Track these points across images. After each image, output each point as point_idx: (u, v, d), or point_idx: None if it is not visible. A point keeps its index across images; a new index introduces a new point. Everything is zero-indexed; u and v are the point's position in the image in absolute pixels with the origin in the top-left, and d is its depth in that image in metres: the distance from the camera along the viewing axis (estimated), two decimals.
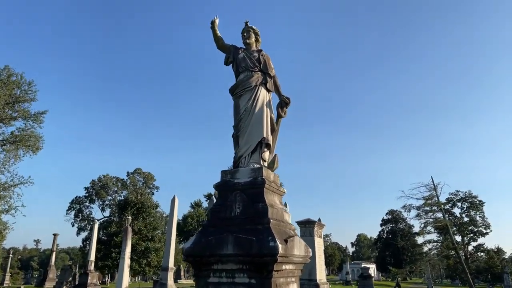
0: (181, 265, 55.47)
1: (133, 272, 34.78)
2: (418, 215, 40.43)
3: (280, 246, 3.52)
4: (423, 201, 37.92)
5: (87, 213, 54.29)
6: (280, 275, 3.74)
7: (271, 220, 3.82)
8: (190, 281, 48.78)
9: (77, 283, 18.67)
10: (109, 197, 53.44)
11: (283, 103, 4.78)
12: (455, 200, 55.15)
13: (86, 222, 53.31)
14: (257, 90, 4.53)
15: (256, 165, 4.27)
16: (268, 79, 4.67)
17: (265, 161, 4.40)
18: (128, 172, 53.37)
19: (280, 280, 3.70)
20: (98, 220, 51.04)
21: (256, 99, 4.48)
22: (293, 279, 4.01)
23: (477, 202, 55.70)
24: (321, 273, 13.59)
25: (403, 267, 70.42)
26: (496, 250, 65.12)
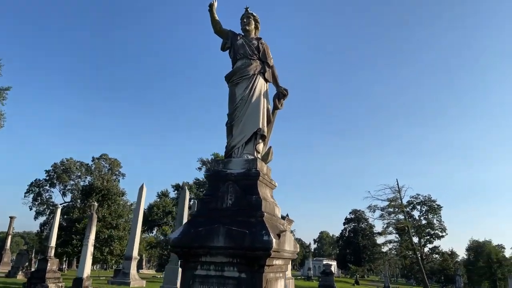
0: (143, 255, 54.58)
1: (94, 260, 33.83)
2: (381, 216, 41.80)
3: (274, 240, 3.43)
4: (387, 203, 39.24)
5: (47, 197, 52.22)
6: (270, 270, 3.65)
7: (265, 214, 3.72)
8: (152, 271, 48.08)
9: (35, 269, 17.84)
10: (72, 182, 51.62)
11: (281, 95, 4.68)
12: (415, 203, 57.31)
13: (45, 206, 51.27)
14: (255, 79, 4.39)
15: (250, 156, 4.14)
16: (267, 69, 4.54)
17: (259, 152, 4.28)
18: (93, 157, 51.74)
19: (270, 275, 3.61)
20: (58, 205, 49.15)
21: (254, 88, 4.34)
22: (281, 275, 3.94)
23: (436, 206, 58.08)
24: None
25: (362, 265, 72.69)
26: (450, 253, 68.50)
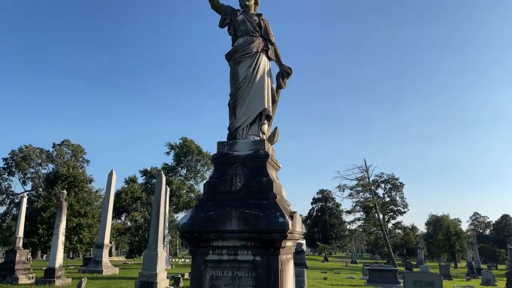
0: (112, 242, 53.54)
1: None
2: (350, 195, 43.15)
3: (289, 222, 3.37)
4: (356, 182, 40.48)
5: (6, 186, 49.72)
6: (284, 252, 3.60)
7: (277, 195, 3.64)
8: (122, 258, 47.32)
9: (3, 261, 17.01)
10: (32, 170, 49.33)
11: (284, 73, 4.56)
12: (379, 181, 59.43)
13: (5, 196, 48.84)
14: (258, 57, 4.23)
15: (257, 138, 4.03)
16: (270, 46, 4.39)
17: (264, 133, 4.17)
18: (54, 144, 49.53)
19: (283, 257, 3.56)
20: (19, 194, 47.01)
21: (257, 66, 4.19)
22: (290, 256, 3.91)
23: (398, 183, 60.53)
24: None
25: (330, 243, 75.13)
26: (411, 227, 72.14)
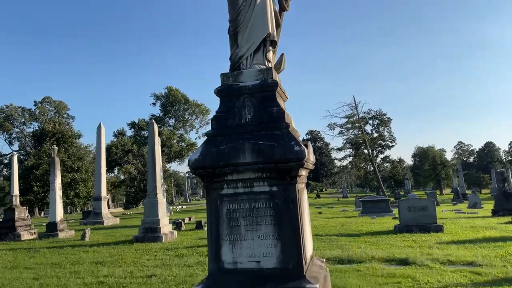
0: (108, 195, 54.19)
1: None
2: (340, 133, 43.68)
3: (305, 150, 3.25)
4: (346, 120, 40.75)
5: None
6: (300, 181, 3.53)
7: (289, 124, 3.49)
8: (120, 209, 48.21)
9: (1, 219, 17.06)
10: (17, 129, 48.30)
11: None
12: (367, 118, 59.87)
13: None
14: None
15: (263, 66, 3.78)
16: None
17: (270, 61, 3.91)
18: (35, 101, 48.07)
19: (299, 186, 3.49)
20: (7, 154, 46.49)
21: None
22: (304, 186, 3.85)
23: (386, 119, 61.08)
24: None
25: (321, 180, 77.41)
26: (398, 160, 74.22)
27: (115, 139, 49.66)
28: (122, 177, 54.88)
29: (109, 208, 50.85)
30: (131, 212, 38.61)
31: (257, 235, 3.34)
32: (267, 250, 3.30)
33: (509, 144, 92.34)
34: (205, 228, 16.29)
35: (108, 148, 47.32)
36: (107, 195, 50.79)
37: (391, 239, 11.33)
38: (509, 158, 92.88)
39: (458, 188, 43.82)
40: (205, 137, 3.60)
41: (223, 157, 3.36)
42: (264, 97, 3.59)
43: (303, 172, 3.59)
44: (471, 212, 23.21)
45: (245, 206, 3.40)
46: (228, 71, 3.91)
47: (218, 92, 3.70)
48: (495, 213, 19.45)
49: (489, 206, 28.87)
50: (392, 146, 61.84)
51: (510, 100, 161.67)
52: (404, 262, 8.02)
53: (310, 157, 3.62)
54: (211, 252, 3.42)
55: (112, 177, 58.76)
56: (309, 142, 3.67)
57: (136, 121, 52.21)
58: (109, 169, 50.41)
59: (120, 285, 6.87)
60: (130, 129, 52.88)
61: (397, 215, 19.17)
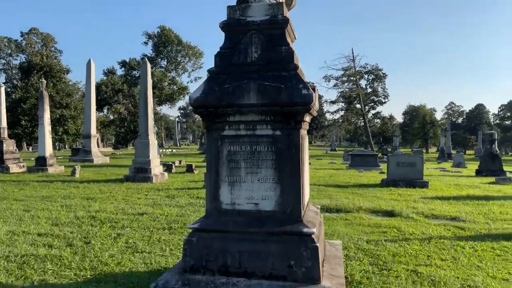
0: (98, 134, 53.95)
1: None
2: (335, 85, 43.24)
3: (313, 94, 3.11)
4: (342, 72, 40.15)
5: None
6: (304, 126, 3.43)
7: (298, 66, 3.32)
8: (109, 149, 48.28)
9: None
10: (3, 61, 46.60)
11: None
12: (363, 72, 59.18)
13: None
14: None
15: (273, 0, 3.51)
16: None
17: None
18: (22, 32, 45.93)
19: (302, 132, 3.40)
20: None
21: None
22: (306, 132, 3.76)
23: (381, 74, 60.46)
24: None
25: (310, 133, 77.89)
26: (389, 117, 74.72)
27: (105, 78, 48.48)
28: (111, 117, 54.36)
29: (98, 146, 50.84)
30: (121, 152, 38.72)
31: (257, 178, 3.29)
32: (266, 193, 3.27)
33: (499, 108, 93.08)
34: (196, 172, 16.45)
35: (98, 86, 46.30)
36: (97, 133, 50.55)
37: (377, 192, 11.61)
38: (497, 121, 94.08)
39: (444, 147, 44.65)
40: (207, 74, 3.42)
41: (227, 97, 3.22)
42: (273, 34, 3.37)
43: (307, 118, 3.48)
44: (455, 171, 23.82)
45: (246, 148, 3.31)
46: (235, 3, 3.64)
47: (223, 26, 3.46)
48: (479, 173, 19.99)
49: (472, 166, 29.64)
50: (385, 102, 61.88)
51: (505, 64, 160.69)
52: (390, 213, 8.25)
53: (316, 102, 3.50)
54: (209, 192, 3.38)
55: (101, 116, 58.16)
56: (316, 87, 3.52)
57: (127, 60, 50.77)
58: (99, 108, 49.70)
59: (112, 220, 6.95)
60: (121, 68, 51.57)
61: (384, 170, 19.57)
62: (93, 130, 23.86)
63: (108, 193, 10.42)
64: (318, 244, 3.10)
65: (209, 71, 3.41)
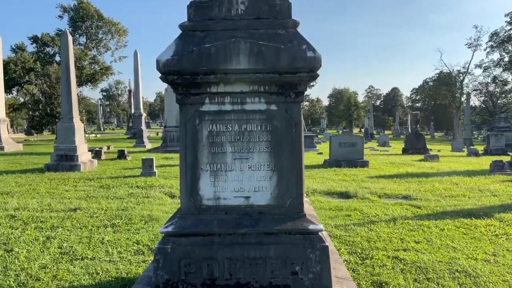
0: (7, 117, 48.10)
1: None
2: None
3: (320, 57, 2.49)
4: None
5: None
6: (304, 99, 2.79)
7: (298, 23, 2.64)
8: (21, 135, 43.33)
9: None
10: None
11: None
12: None
13: None
14: None
15: None
16: None
17: None
18: None
19: (300, 106, 2.76)
20: None
21: None
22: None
23: None
24: None
25: None
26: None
27: (13, 55, 42.98)
28: (22, 99, 48.72)
29: (9, 133, 45.39)
30: (35, 139, 34.91)
31: (247, 165, 2.61)
32: (259, 184, 2.61)
33: (411, 91, 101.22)
34: (129, 158, 15.06)
35: (5, 65, 40.88)
36: (6, 118, 45.01)
37: (324, 173, 11.51)
38: (410, 103, 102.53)
39: (368, 128, 47.34)
40: (180, 31, 2.61)
41: (208, 60, 2.45)
42: None
43: (306, 88, 2.85)
44: (383, 150, 25.14)
45: (233, 128, 2.60)
46: None
47: None
48: (405, 151, 21.22)
49: (395, 145, 31.71)
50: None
51: (417, 50, 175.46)
52: (345, 195, 8.07)
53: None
54: (185, 184, 2.62)
55: (10, 98, 51.97)
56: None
57: (39, 35, 45.49)
58: (7, 89, 44.14)
59: (37, 219, 5.76)
60: (32, 44, 46.08)
61: (321, 151, 19.87)
62: (2, 114, 20.93)
63: (27, 185, 8.89)
64: (327, 244, 2.54)
65: (182, 26, 2.60)
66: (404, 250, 4.56)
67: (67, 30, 12.16)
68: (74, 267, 3.96)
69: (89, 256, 4.25)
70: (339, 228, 5.44)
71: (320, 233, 2.56)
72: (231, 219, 2.60)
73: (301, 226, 2.55)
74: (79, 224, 5.53)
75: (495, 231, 5.40)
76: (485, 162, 15.96)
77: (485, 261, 4.22)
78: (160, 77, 2.51)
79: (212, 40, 2.53)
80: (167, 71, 2.48)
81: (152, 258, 4.21)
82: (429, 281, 3.66)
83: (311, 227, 2.54)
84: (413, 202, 7.39)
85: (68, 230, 5.25)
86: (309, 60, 2.46)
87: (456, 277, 3.75)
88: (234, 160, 2.61)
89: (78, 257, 4.23)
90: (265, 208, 2.62)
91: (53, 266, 3.99)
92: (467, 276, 3.77)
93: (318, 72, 2.51)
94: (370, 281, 3.65)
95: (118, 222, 5.56)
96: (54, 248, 4.51)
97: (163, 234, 2.59)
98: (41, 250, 4.45)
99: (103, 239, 4.83)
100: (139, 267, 3.97)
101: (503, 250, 4.58)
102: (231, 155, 2.60)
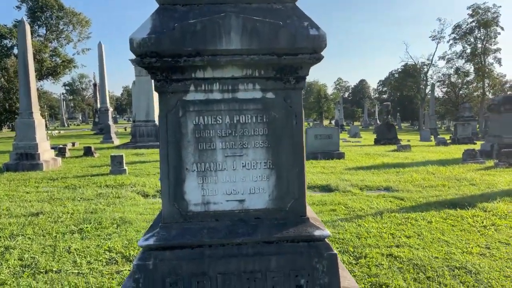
0: None
1: None
2: None
3: (325, 35, 2.14)
4: None
5: None
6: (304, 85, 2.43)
7: None
8: None
9: None
10: None
11: None
12: None
13: None
14: None
15: None
16: None
17: None
18: None
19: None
20: None
21: None
22: None
23: None
24: None
25: None
26: None
27: None
28: None
29: None
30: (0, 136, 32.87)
31: (241, 163, 2.24)
32: (255, 184, 2.25)
33: (378, 83, 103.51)
34: (96, 155, 14.27)
35: None
36: None
37: None
38: (377, 95, 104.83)
39: (338, 120, 47.85)
40: (158, 5, 2.19)
41: (193, 39, 2.05)
42: None
43: (308, 72, 2.49)
44: (355, 141, 25.35)
45: (223, 120, 2.21)
46: None
47: None
48: (377, 142, 21.44)
49: (366, 135, 32.15)
50: None
51: (382, 41, 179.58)
52: (327, 188, 7.84)
53: None
54: (167, 188, 2.21)
55: None
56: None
57: (20, 19, 42.77)
58: None
59: None
60: (14, 27, 43.29)
61: None
62: None
63: None
64: (335, 251, 2.21)
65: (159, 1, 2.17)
66: (397, 246, 4.35)
67: (25, 19, 11.21)
68: (37, 282, 3.46)
69: (54, 269, 3.75)
70: (327, 225, 5.18)
71: (327, 240, 2.23)
72: (224, 226, 2.22)
73: (305, 232, 2.21)
74: (42, 230, 4.97)
75: (483, 222, 5.30)
76: (455, 151, 16.31)
77: (481, 255, 4.07)
78: (135, 60, 2.08)
79: (196, 15, 2.12)
80: (143, 53, 2.05)
81: (127, 267, 3.78)
82: (430, 281, 3.44)
83: (317, 232, 2.20)
84: (395, 194, 7.26)
85: (29, 238, 4.69)
86: (313, 39, 2.10)
87: (457, 275, 3.55)
88: (225, 157, 2.22)
89: (42, 270, 3.72)
90: (262, 213, 2.26)
91: (13, 282, 3.48)
92: (467, 273, 3.58)
93: (323, 53, 2.16)
94: (369, 283, 3.39)
95: (86, 227, 5.04)
96: (14, 260, 3.98)
97: (143, 248, 2.18)
98: None
99: (69, 247, 4.32)
100: (113, 279, 3.52)
101: (495, 242, 4.46)
102: (221, 152, 2.22)
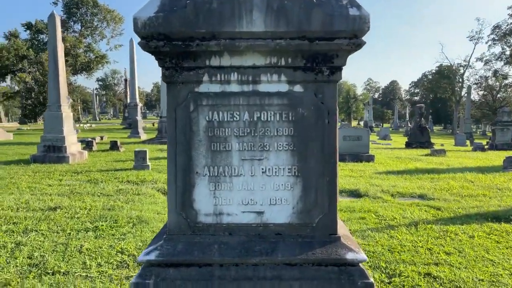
0: (0, 107, 47.19)
1: None
2: None
3: (369, 15, 1.75)
4: None
5: None
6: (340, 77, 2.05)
7: None
8: (15, 124, 42.41)
9: None
10: None
11: None
12: None
13: None
14: None
15: None
16: None
17: None
18: None
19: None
20: None
21: None
22: None
23: None
24: None
25: None
26: None
27: (7, 42, 41.85)
28: (16, 87, 47.71)
29: (1, 122, 44.53)
30: (29, 128, 34.02)
31: (260, 169, 1.89)
32: (277, 194, 1.90)
33: (410, 84, 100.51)
34: (122, 150, 14.30)
35: None
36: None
37: None
38: (408, 96, 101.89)
39: (367, 121, 46.63)
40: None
41: (208, 19, 1.71)
42: None
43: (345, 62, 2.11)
44: (385, 144, 24.48)
45: (242, 117, 1.87)
46: None
47: None
48: (409, 145, 20.56)
49: (396, 138, 31.08)
50: None
51: (418, 44, 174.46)
52: (356, 193, 7.38)
53: None
54: (174, 194, 1.89)
55: (4, 87, 50.98)
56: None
57: (33, 22, 44.35)
58: (0, 77, 43.15)
59: (10, 220, 5.03)
60: (26, 31, 44.97)
61: None
62: None
63: (7, 179, 8.15)
64: (371, 280, 1.82)
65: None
66: (436, 264, 3.88)
67: (55, 13, 11.29)
68: (42, 284, 3.25)
69: (62, 270, 3.53)
70: (356, 235, 4.76)
71: (361, 264, 1.85)
72: (238, 242, 1.88)
73: (336, 254, 1.83)
74: (57, 227, 4.81)
75: None
76: (493, 157, 15.33)
77: None
78: (139, 43, 1.77)
79: None
80: (149, 35, 1.73)
81: (137, 272, 3.51)
82: None
83: (350, 256, 1.82)
84: (431, 202, 6.71)
85: (42, 234, 4.52)
86: (353, 21, 1.72)
87: None
88: (242, 161, 1.88)
89: (49, 271, 3.52)
90: (284, 228, 1.91)
91: (17, 283, 3.28)
92: None
93: (364, 38, 1.78)
94: None
95: (101, 225, 4.84)
96: (23, 258, 3.80)
97: (144, 264, 1.87)
98: (7, 261, 3.74)
99: (81, 246, 4.12)
100: (121, 286, 3.26)
101: None
102: (238, 155, 1.88)
